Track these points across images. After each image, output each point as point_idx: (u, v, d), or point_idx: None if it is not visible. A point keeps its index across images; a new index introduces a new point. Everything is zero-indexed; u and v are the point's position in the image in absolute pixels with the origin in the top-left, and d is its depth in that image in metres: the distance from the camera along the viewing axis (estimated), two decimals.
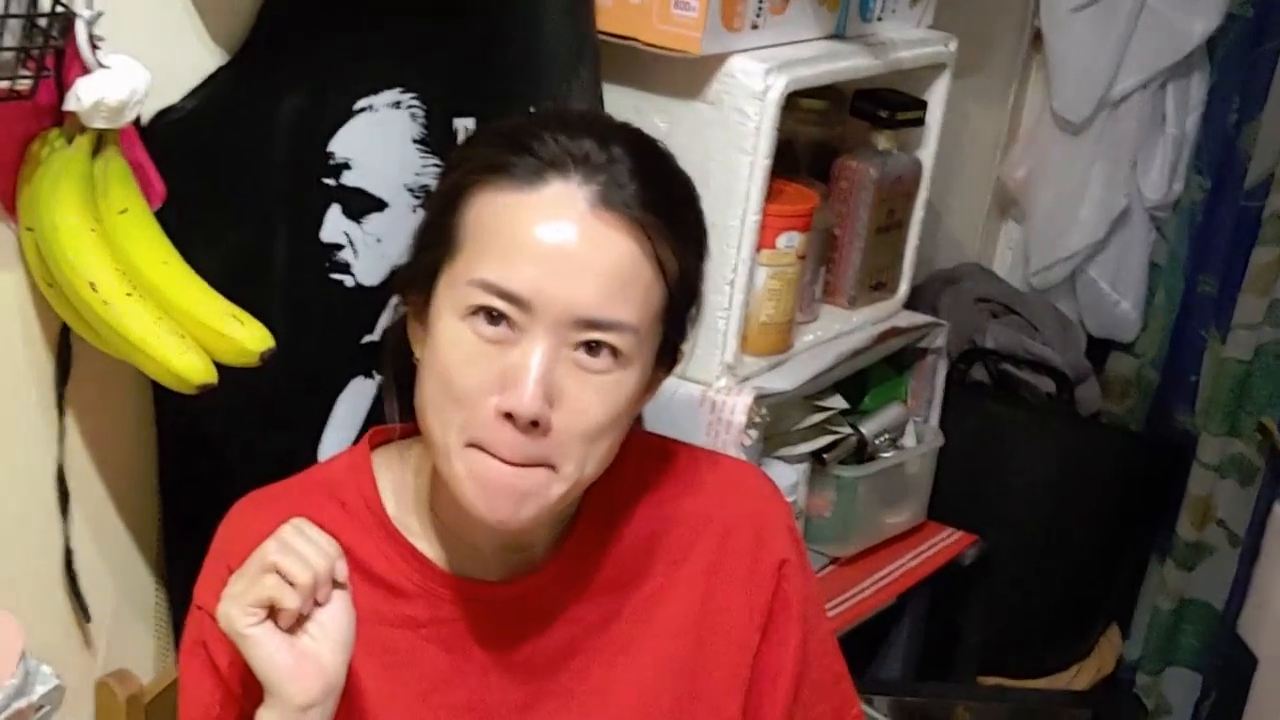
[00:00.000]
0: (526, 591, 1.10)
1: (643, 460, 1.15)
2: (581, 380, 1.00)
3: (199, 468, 1.31)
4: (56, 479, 1.25)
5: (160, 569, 1.36)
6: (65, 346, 1.21)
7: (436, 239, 1.03)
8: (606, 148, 1.01)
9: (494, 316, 0.99)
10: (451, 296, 1.01)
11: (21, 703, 1.11)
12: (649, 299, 1.01)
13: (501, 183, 1.00)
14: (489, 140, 1.06)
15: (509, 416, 0.98)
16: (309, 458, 1.35)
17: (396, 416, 1.13)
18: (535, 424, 0.98)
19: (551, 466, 1.00)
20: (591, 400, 1.00)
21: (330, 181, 1.31)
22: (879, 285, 1.82)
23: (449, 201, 1.03)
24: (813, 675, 1.17)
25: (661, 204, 1.01)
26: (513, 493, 1.00)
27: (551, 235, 0.98)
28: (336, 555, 0.99)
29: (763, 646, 1.14)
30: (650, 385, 1.08)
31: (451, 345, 1.00)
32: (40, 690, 1.12)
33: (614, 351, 1.00)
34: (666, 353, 1.07)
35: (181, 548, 1.32)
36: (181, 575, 1.31)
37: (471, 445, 1.00)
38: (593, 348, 0.99)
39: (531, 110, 1.42)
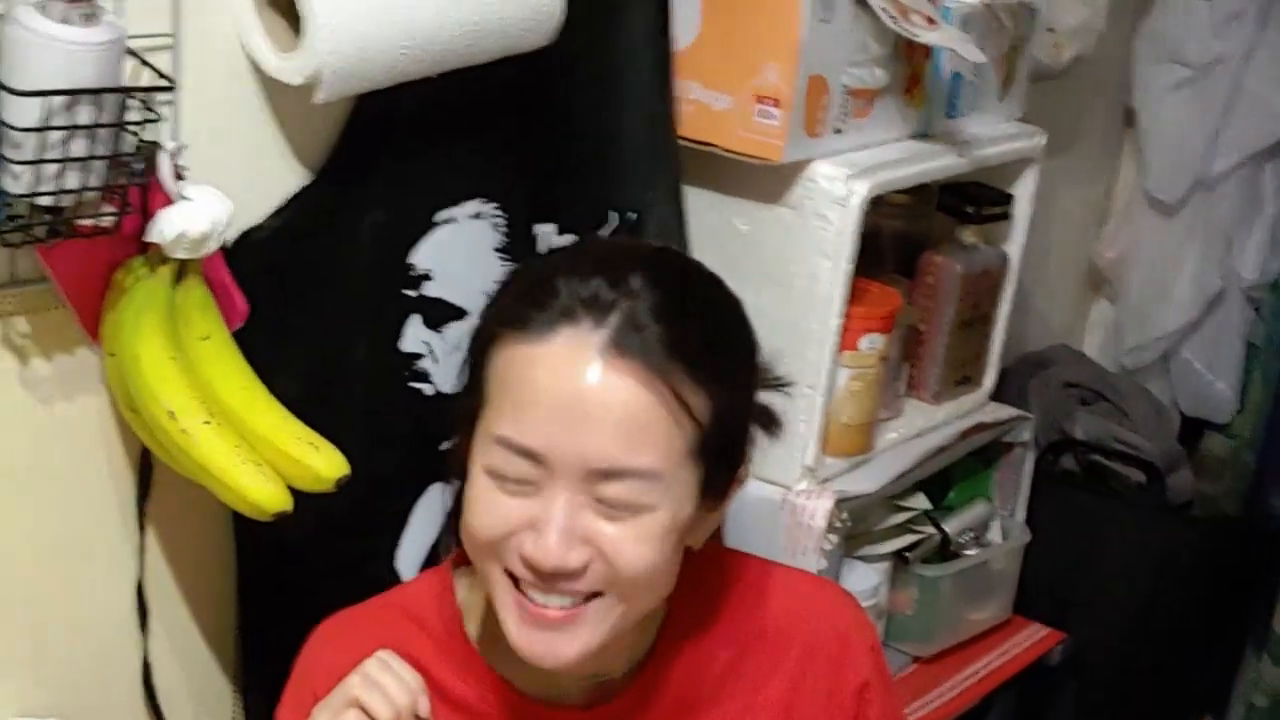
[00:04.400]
0: (606, 716, 1.08)
1: (721, 579, 1.13)
2: (612, 525, 0.97)
3: (277, 578, 1.32)
4: (136, 594, 1.26)
5: (239, 680, 1.36)
6: (146, 465, 1.22)
7: (471, 387, 1.03)
8: (621, 284, 0.98)
9: (512, 478, 0.98)
10: (480, 448, 1.00)
11: None
12: (671, 442, 0.98)
13: (518, 336, 0.99)
14: (513, 290, 1.05)
15: (533, 567, 0.97)
16: (386, 564, 1.35)
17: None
18: (563, 573, 0.97)
19: (598, 594, 0.99)
20: (626, 545, 0.97)
21: (410, 293, 1.32)
22: (964, 380, 1.79)
23: (479, 351, 1.03)
24: None
25: (686, 342, 0.98)
26: (550, 638, 0.99)
27: (560, 387, 0.96)
28: (420, 690, 0.99)
29: None
30: (702, 517, 1.04)
31: (477, 498, 1.00)
32: None
33: (631, 503, 0.97)
34: (717, 484, 1.04)
35: (261, 658, 1.33)
36: (260, 686, 1.32)
37: (510, 577, 0.99)
38: (609, 501, 0.97)
39: (578, 237, 1.41)
